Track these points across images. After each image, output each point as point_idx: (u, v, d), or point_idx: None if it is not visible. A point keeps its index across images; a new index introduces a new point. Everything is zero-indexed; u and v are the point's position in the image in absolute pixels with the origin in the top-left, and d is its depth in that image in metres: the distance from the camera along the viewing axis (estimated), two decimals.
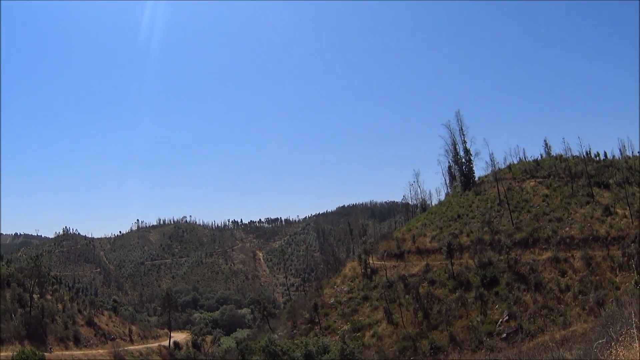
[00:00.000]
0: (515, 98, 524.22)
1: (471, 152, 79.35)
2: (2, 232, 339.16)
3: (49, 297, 69.36)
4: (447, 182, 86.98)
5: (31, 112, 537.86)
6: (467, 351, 37.92)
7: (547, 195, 60.70)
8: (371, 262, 61.20)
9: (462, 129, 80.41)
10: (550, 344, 28.71)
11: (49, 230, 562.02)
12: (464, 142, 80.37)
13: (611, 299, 36.00)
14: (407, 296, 50.10)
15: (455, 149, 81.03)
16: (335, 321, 53.64)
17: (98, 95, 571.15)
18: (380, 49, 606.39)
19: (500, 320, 41.70)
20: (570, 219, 53.64)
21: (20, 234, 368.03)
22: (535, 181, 66.47)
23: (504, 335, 39.74)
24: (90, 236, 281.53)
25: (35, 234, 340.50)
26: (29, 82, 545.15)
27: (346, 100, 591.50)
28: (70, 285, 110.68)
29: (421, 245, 60.18)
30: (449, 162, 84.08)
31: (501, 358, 32.58)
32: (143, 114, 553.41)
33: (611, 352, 10.23)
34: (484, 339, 39.78)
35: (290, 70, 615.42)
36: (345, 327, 50.85)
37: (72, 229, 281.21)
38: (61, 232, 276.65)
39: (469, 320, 43.16)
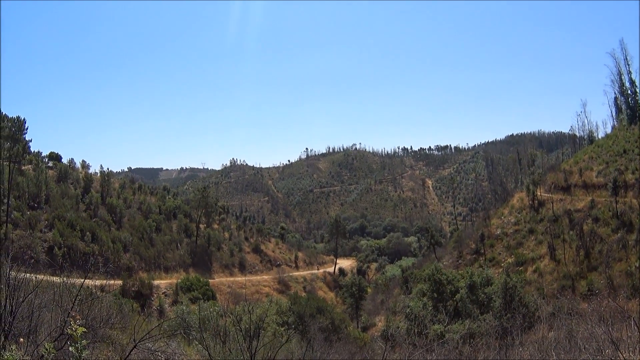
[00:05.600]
0: None
1: (636, 84, 76.17)
2: (167, 167, 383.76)
3: (215, 226, 76.72)
4: (614, 114, 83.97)
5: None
6: (622, 298, 35.44)
7: None
8: (538, 194, 60.80)
9: (626, 59, 77.51)
10: None
11: (216, 163, 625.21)
12: (629, 72, 77.27)
13: None
14: (571, 232, 48.75)
15: (621, 79, 78.67)
16: (500, 253, 54.63)
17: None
18: None
19: None
20: None
21: (186, 168, 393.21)
22: None
23: None
24: (258, 166, 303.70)
25: (202, 167, 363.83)
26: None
27: (512, 24, 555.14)
28: (238, 214, 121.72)
29: (587, 179, 58.37)
30: (615, 93, 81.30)
31: None
32: (315, 43, 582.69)
33: None
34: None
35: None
36: (509, 260, 51.37)
37: (240, 160, 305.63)
38: (228, 164, 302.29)
39: (627, 265, 40.33)
